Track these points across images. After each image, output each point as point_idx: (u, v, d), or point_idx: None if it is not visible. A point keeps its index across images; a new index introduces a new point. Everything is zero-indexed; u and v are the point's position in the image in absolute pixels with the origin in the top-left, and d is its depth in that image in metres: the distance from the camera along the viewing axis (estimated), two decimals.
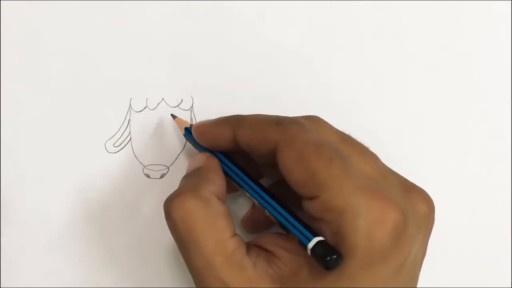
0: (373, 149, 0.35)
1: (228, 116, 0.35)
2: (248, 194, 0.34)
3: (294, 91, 0.41)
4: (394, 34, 0.42)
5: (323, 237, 0.30)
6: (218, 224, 0.32)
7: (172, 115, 0.39)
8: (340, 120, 0.40)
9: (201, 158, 0.35)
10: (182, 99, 0.40)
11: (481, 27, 0.42)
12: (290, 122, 0.32)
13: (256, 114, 0.34)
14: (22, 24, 0.40)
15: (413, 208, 0.32)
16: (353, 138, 0.34)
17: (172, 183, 0.38)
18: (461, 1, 0.42)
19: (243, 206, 0.39)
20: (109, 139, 0.40)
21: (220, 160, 0.35)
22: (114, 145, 0.40)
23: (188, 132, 0.37)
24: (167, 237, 0.39)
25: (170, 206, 0.32)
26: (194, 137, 0.36)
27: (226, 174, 0.35)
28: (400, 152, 0.41)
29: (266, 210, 0.33)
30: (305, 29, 0.41)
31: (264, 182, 0.36)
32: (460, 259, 0.41)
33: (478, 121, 0.41)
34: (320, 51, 0.41)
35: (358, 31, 0.41)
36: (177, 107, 0.40)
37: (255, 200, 0.33)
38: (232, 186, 0.35)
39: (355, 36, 0.41)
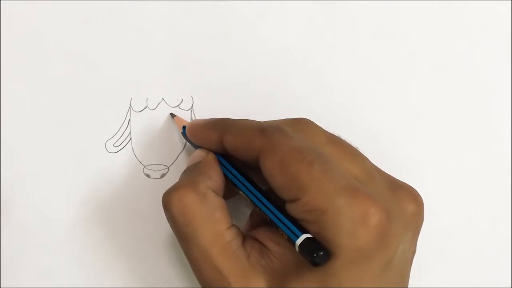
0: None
1: (217, 120, 0.36)
2: (241, 192, 0.34)
3: (294, 91, 0.41)
4: (394, 34, 0.42)
5: None
6: (215, 217, 0.33)
7: (171, 114, 0.40)
8: (339, 120, 0.41)
9: (200, 153, 0.36)
10: (182, 99, 0.40)
11: (481, 27, 0.42)
12: (273, 129, 0.33)
13: (242, 120, 0.35)
14: (22, 24, 0.40)
15: (399, 207, 0.32)
16: (341, 139, 0.34)
17: (172, 183, 0.38)
18: (461, 1, 0.42)
19: (243, 205, 0.39)
20: (109, 139, 0.40)
21: None
22: (114, 145, 0.40)
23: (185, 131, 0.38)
24: (168, 237, 0.39)
25: (168, 199, 0.33)
26: (188, 136, 0.37)
27: None
28: (400, 152, 0.41)
29: (257, 208, 0.33)
30: (305, 29, 0.41)
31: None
32: (460, 259, 0.41)
33: (478, 121, 0.41)
34: (320, 51, 0.41)
35: (358, 31, 0.41)
36: (177, 107, 0.40)
37: (247, 197, 0.34)
38: (232, 191, 0.36)
39: (355, 36, 0.41)
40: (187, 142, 0.39)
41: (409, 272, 0.34)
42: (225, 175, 0.35)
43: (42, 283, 0.39)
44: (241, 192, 0.34)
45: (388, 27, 0.42)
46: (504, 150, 0.41)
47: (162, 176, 0.40)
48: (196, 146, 0.37)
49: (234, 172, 0.35)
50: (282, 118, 0.36)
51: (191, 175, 0.35)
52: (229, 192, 0.35)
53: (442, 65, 0.42)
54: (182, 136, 0.39)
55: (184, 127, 0.38)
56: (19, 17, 0.40)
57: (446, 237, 0.41)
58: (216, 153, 0.36)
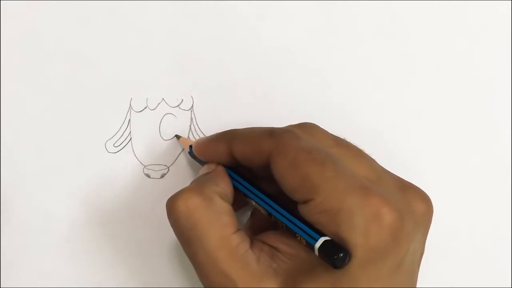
0: (373, 149, 0.35)
1: (223, 132, 0.36)
2: (254, 203, 0.34)
3: (294, 91, 0.41)
4: (394, 34, 0.42)
5: None
6: (221, 221, 0.32)
7: (176, 135, 0.40)
8: (339, 120, 0.41)
9: (209, 166, 0.36)
10: (182, 99, 0.40)
11: (481, 27, 0.42)
12: (282, 131, 0.33)
13: (250, 128, 0.35)
14: (22, 24, 0.40)
15: (410, 207, 0.32)
16: (347, 141, 0.34)
17: (173, 183, 0.38)
18: (461, 1, 0.42)
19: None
20: (109, 139, 0.40)
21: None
22: (114, 145, 0.40)
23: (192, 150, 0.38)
24: (168, 237, 0.39)
25: (172, 203, 0.33)
26: (195, 154, 0.37)
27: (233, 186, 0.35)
28: (400, 152, 0.41)
29: (272, 216, 0.33)
30: (305, 30, 0.41)
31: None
32: (460, 259, 0.41)
33: (478, 121, 0.41)
34: (320, 51, 0.41)
35: (358, 31, 0.41)
36: (177, 107, 0.40)
37: (261, 207, 0.34)
38: (240, 202, 0.35)
39: (355, 36, 0.41)
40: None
41: (418, 272, 0.34)
42: (235, 188, 0.35)
43: (42, 283, 0.39)
44: (253, 203, 0.34)
45: (388, 27, 0.42)
46: (504, 150, 0.41)
47: (162, 176, 0.40)
48: (203, 164, 0.37)
49: (245, 183, 0.35)
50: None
51: (197, 181, 0.34)
52: (238, 204, 0.35)
53: (442, 65, 0.42)
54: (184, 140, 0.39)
55: (190, 146, 0.38)
56: (19, 17, 0.40)
57: (446, 237, 0.40)
58: (225, 166, 0.36)
